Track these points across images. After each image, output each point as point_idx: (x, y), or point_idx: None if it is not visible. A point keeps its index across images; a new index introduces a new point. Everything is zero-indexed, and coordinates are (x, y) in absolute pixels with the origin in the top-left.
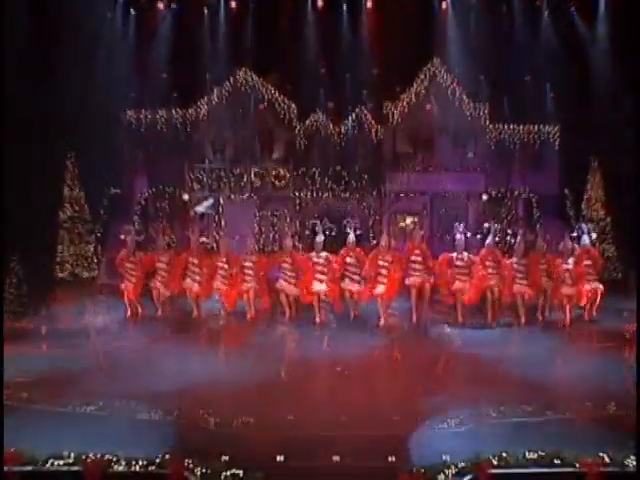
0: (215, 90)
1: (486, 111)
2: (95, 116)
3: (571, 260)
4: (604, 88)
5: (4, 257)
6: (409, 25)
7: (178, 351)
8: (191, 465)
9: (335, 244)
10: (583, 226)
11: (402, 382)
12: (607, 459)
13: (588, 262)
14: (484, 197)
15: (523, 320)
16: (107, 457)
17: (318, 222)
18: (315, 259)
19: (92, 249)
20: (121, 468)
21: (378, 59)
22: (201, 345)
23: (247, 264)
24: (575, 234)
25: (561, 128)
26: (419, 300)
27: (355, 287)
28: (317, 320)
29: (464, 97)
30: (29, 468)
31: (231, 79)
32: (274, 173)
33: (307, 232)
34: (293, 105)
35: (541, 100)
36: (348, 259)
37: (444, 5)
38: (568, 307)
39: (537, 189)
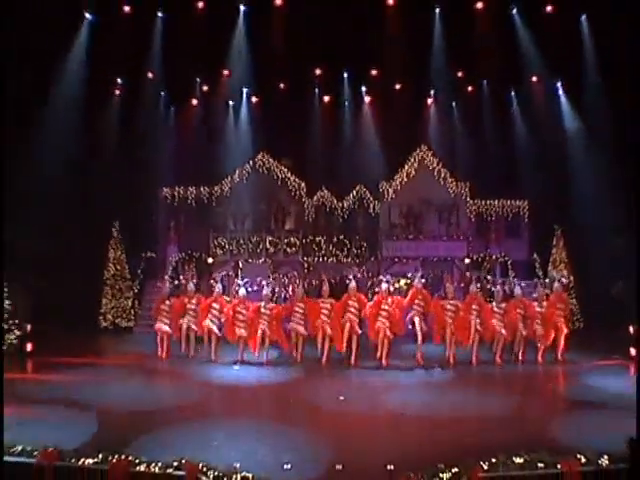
0: (237, 171)
1: (467, 189)
2: (137, 191)
3: (545, 304)
4: (564, 170)
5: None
6: (401, 117)
7: None
8: (204, 468)
9: (339, 292)
10: (554, 274)
11: None
12: (583, 459)
13: (560, 305)
14: (466, 261)
15: (499, 359)
16: (130, 458)
17: (323, 273)
18: (322, 304)
19: (130, 303)
20: (142, 468)
21: (375, 145)
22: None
23: (264, 310)
24: (548, 281)
25: (529, 203)
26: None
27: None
28: (323, 360)
29: (448, 177)
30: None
31: (251, 162)
32: (286, 241)
33: (315, 282)
34: (303, 184)
35: (513, 180)
36: (350, 302)
37: (429, 101)
38: (542, 347)
39: (511, 253)
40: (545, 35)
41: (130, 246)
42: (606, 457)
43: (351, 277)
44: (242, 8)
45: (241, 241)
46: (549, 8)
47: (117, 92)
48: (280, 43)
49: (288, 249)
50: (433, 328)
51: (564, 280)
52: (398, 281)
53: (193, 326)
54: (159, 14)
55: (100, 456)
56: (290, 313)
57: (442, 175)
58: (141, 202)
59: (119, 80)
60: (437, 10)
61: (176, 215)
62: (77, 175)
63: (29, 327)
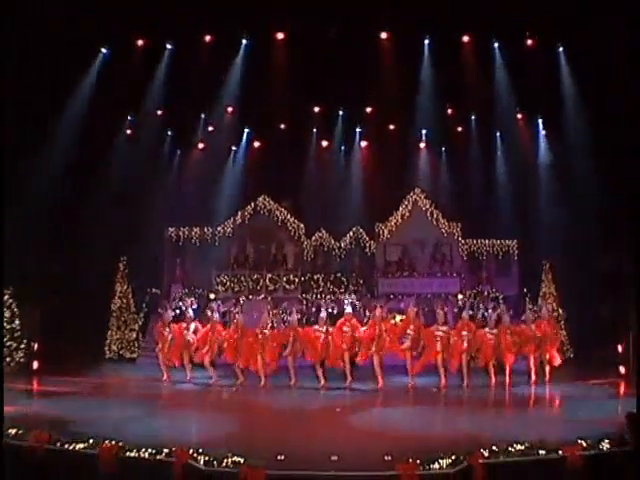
0: (239, 213)
1: (459, 229)
2: (144, 230)
3: (533, 326)
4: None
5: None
6: (395, 161)
7: None
8: (195, 454)
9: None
10: (541, 303)
11: None
12: (585, 444)
13: (548, 328)
14: (460, 297)
15: (493, 381)
16: (120, 444)
17: (322, 301)
18: (318, 333)
19: (134, 335)
20: (132, 454)
21: (370, 188)
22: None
23: (261, 336)
24: (536, 308)
25: (518, 242)
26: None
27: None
28: (321, 383)
29: (440, 218)
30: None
31: (252, 204)
32: (285, 279)
33: (314, 309)
34: (302, 225)
35: (502, 220)
36: (345, 328)
37: (422, 145)
38: (533, 367)
39: (502, 289)
40: (525, 69)
41: (136, 281)
42: (607, 441)
43: (348, 302)
44: (244, 42)
45: (242, 278)
46: (529, 42)
47: (128, 131)
48: (280, 79)
49: (287, 286)
50: (424, 355)
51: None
52: (394, 317)
53: (191, 353)
54: (168, 46)
55: (90, 441)
56: (286, 339)
57: (435, 216)
58: (147, 240)
59: (129, 117)
60: (426, 42)
61: (181, 253)
62: (87, 207)
63: (36, 345)
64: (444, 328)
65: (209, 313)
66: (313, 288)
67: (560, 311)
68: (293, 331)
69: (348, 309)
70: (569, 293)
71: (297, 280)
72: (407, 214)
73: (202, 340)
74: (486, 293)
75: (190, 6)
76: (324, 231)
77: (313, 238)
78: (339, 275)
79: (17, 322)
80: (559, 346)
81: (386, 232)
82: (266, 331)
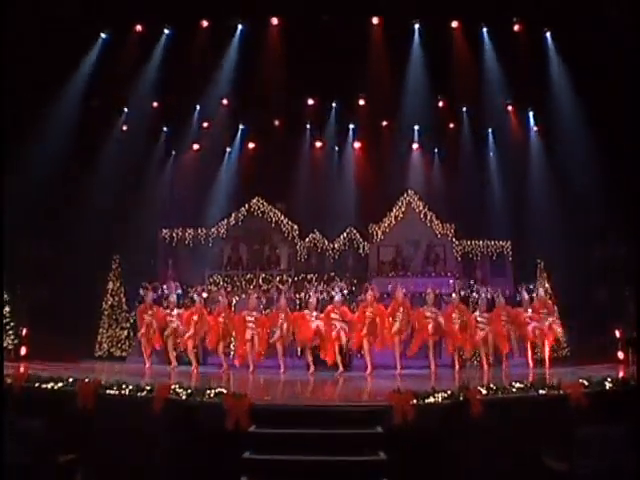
0: (233, 214)
1: (452, 230)
2: (139, 230)
3: (529, 310)
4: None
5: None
6: (388, 162)
7: None
8: (177, 389)
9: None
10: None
11: None
12: (586, 383)
13: (544, 310)
14: (454, 296)
15: (486, 366)
16: (100, 381)
17: (313, 288)
18: (308, 317)
19: (125, 333)
20: (113, 392)
21: (364, 189)
22: None
23: (249, 319)
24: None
25: (512, 242)
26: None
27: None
28: (311, 370)
29: (434, 219)
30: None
31: (246, 205)
32: (278, 278)
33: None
34: (295, 226)
35: (496, 221)
36: (333, 315)
37: (415, 146)
38: (530, 352)
39: (496, 289)
40: (514, 57)
41: (128, 280)
42: (609, 379)
43: (337, 290)
44: (239, 27)
45: (235, 278)
46: (516, 27)
47: (124, 127)
48: (273, 68)
49: (280, 286)
50: (416, 338)
51: (547, 285)
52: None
53: (175, 339)
54: (165, 31)
55: (70, 380)
56: (275, 323)
57: (428, 217)
58: (140, 239)
59: (125, 110)
60: (416, 27)
61: (174, 254)
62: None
63: (25, 331)
64: (434, 309)
65: (195, 297)
66: (307, 288)
67: (555, 309)
68: (283, 312)
69: (337, 297)
70: (564, 284)
71: (290, 280)
72: (400, 215)
73: (186, 324)
74: (481, 293)
75: None
76: (318, 232)
77: (307, 239)
78: (333, 275)
79: (7, 309)
80: (555, 338)
81: (380, 233)
82: (254, 313)
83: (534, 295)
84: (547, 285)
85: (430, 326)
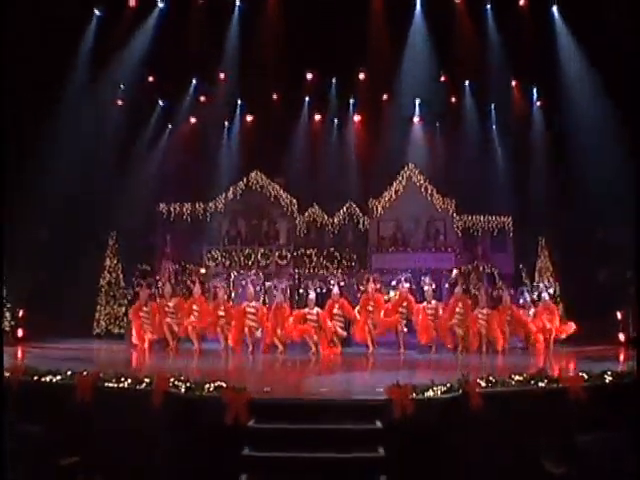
0: (231, 188)
1: (453, 205)
2: (136, 206)
3: (532, 312)
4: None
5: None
6: (389, 135)
7: None
8: (176, 382)
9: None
10: (541, 285)
11: None
12: (586, 376)
13: (548, 316)
14: (454, 271)
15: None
16: (98, 373)
17: (310, 282)
18: (308, 315)
19: (123, 310)
20: (111, 384)
21: (364, 163)
22: None
23: (249, 310)
24: (535, 292)
25: (513, 218)
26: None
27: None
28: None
29: (435, 194)
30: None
31: (244, 179)
32: (277, 254)
33: (301, 291)
34: (294, 201)
35: (497, 196)
36: (335, 310)
37: (416, 119)
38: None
39: (497, 265)
40: (517, 32)
41: (126, 256)
42: (609, 373)
43: (334, 283)
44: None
45: (233, 253)
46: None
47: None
48: (272, 40)
49: (280, 261)
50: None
51: (551, 291)
52: (387, 292)
53: (175, 327)
54: (159, 4)
55: (68, 373)
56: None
57: (429, 192)
58: (137, 215)
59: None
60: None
61: (172, 229)
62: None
63: (21, 313)
64: (433, 305)
65: (192, 286)
66: (306, 263)
67: (556, 285)
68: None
69: (335, 289)
70: (565, 265)
71: (289, 255)
72: (401, 190)
73: (187, 315)
74: (481, 268)
75: None
76: (317, 207)
77: (306, 214)
78: (332, 250)
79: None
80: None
81: (380, 208)
82: (254, 304)
83: (534, 296)
84: (551, 291)
85: (431, 325)
